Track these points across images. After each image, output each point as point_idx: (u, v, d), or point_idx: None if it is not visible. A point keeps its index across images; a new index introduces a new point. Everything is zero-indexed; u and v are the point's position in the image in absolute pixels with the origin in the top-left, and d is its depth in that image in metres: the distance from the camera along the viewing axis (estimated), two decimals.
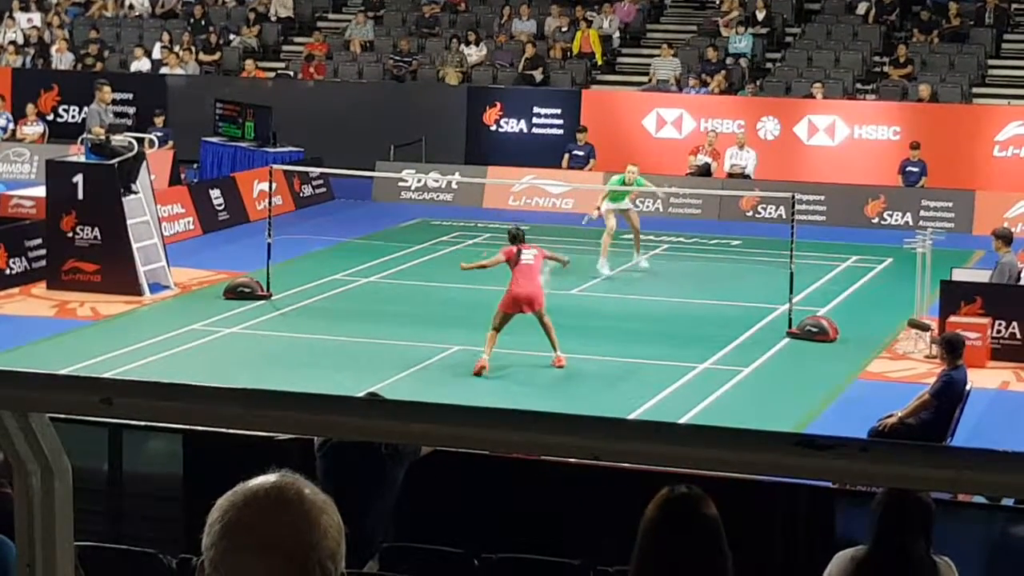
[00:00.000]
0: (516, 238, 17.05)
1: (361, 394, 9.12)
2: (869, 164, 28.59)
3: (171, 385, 2.32)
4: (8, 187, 26.84)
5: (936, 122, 28.80)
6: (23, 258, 21.36)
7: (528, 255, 16.83)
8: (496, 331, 16.63)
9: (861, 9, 32.88)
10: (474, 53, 33.05)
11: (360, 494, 8.65)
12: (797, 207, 20.28)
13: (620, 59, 33.50)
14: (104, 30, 35.82)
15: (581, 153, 29.30)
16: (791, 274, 19.26)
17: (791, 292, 19.20)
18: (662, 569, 4.47)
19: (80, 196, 20.76)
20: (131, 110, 31.51)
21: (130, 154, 21.10)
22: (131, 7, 36.90)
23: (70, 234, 20.82)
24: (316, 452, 8.80)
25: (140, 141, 22.02)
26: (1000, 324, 18.09)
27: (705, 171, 28.46)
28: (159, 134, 29.48)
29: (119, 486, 9.90)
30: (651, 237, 24.51)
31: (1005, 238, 18.72)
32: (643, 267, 22.85)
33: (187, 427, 8.89)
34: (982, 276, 19.31)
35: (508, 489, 9.52)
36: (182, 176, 28.47)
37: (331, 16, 36.36)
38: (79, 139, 24.42)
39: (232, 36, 35.13)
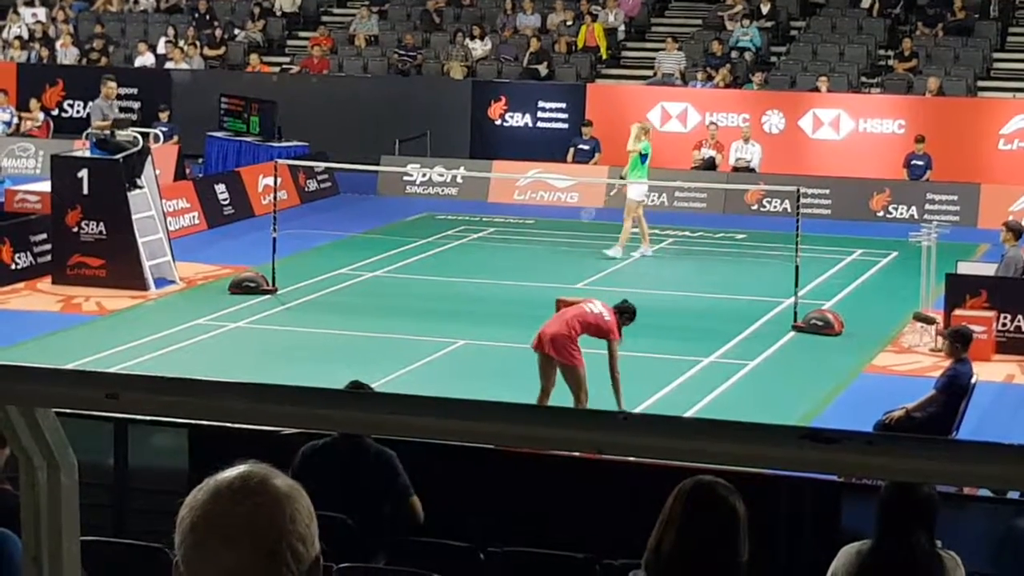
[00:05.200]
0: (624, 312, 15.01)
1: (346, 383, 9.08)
2: (874, 157, 28.56)
3: (177, 380, 2.33)
4: (13, 182, 26.86)
5: (941, 115, 28.76)
6: (28, 253, 21.36)
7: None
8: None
9: (866, 2, 32.84)
10: (479, 47, 33.03)
11: (363, 490, 8.64)
12: (802, 201, 20.26)
13: (625, 53, 33.47)
14: (109, 25, 35.82)
15: (586, 147, 29.28)
16: (796, 268, 19.25)
17: (796, 286, 19.19)
18: (678, 544, 4.69)
19: (85, 191, 20.77)
20: (136, 105, 31.52)
21: (135, 149, 21.12)
22: (136, 2, 36.91)
23: (75, 229, 20.82)
24: (306, 448, 8.72)
25: (145, 136, 22.05)
26: (1006, 317, 18.09)
27: (710, 165, 28.46)
28: (164, 129, 29.54)
29: (125, 481, 9.91)
30: (656, 231, 24.50)
31: (1015, 231, 18.70)
32: (611, 256, 23.07)
33: (193, 422, 8.90)
34: (988, 269, 19.31)
35: (514, 483, 9.53)
36: (187, 171, 28.47)
37: (336, 11, 36.35)
38: (84, 134, 24.45)
39: (237, 31, 35.12)
